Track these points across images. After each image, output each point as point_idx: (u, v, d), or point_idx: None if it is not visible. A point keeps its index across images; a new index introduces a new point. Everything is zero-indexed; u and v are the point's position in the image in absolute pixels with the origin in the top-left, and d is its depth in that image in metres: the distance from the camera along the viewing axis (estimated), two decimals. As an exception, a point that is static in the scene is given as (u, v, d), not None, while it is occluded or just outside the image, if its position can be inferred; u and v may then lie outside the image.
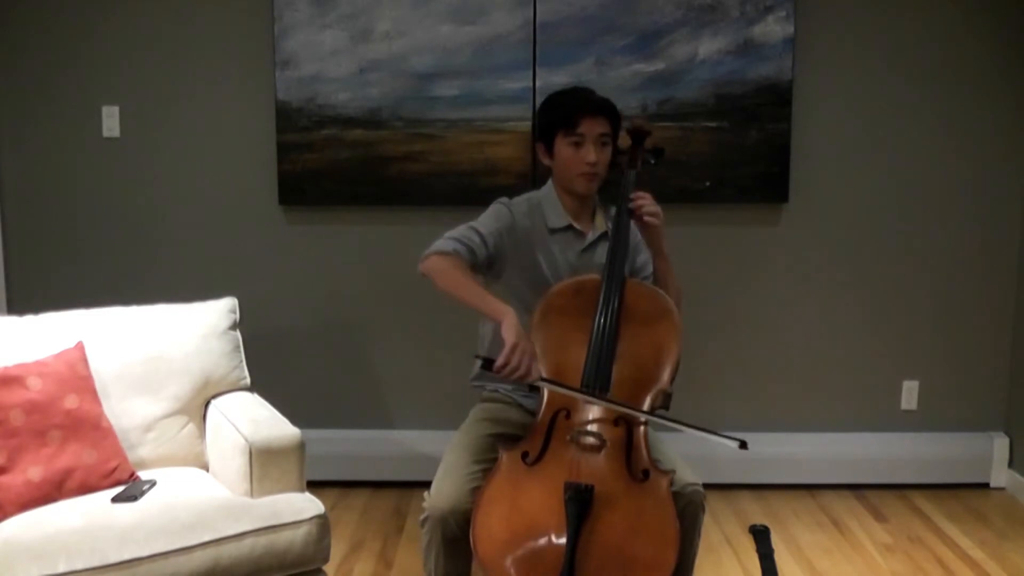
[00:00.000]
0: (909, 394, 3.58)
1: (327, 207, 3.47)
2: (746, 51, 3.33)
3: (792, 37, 3.32)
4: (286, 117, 3.38)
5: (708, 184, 3.40)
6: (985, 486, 3.56)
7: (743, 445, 1.99)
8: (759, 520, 3.26)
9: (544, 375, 2.10)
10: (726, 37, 3.33)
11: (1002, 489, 3.55)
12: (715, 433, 2.01)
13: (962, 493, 3.51)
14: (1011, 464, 3.55)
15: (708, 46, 3.34)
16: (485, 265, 2.32)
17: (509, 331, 2.03)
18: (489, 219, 2.35)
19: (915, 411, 3.59)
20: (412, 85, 3.37)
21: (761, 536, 3.13)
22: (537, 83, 3.33)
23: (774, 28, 3.32)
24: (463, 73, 3.36)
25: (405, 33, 3.35)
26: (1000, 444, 3.54)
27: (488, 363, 2.02)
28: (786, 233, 3.50)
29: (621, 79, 3.35)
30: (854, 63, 3.41)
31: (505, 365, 2.00)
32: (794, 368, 3.57)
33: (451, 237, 2.27)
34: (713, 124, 3.37)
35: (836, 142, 3.45)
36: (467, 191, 3.37)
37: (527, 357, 2.01)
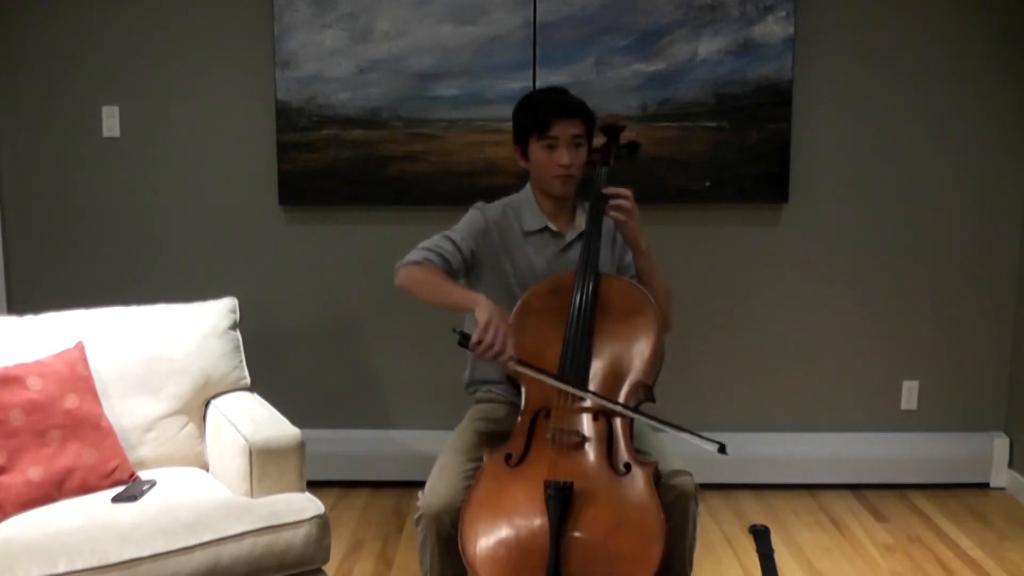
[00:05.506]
0: (909, 394, 3.58)
1: (327, 207, 3.48)
2: (746, 51, 3.33)
3: (792, 37, 3.32)
4: (286, 117, 3.38)
5: (708, 184, 3.40)
6: (985, 486, 3.56)
7: (722, 449, 1.98)
8: (759, 520, 3.25)
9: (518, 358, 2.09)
10: (726, 37, 3.33)
11: (1002, 489, 3.55)
12: (695, 434, 2.00)
13: (962, 493, 3.51)
14: (1011, 464, 3.55)
15: (708, 46, 3.34)
16: (463, 271, 2.34)
17: (482, 311, 2.03)
18: (463, 225, 2.38)
19: (915, 411, 3.59)
20: (412, 85, 3.37)
21: (761, 536, 3.13)
22: (537, 83, 3.33)
23: (774, 28, 3.32)
24: (463, 73, 3.36)
25: (405, 33, 3.35)
26: (1000, 444, 3.54)
27: (465, 338, 2.02)
28: (786, 233, 3.50)
29: (621, 79, 3.35)
30: (854, 63, 3.41)
31: (480, 342, 1.99)
32: (794, 368, 3.57)
33: (423, 247, 2.29)
34: (713, 124, 3.37)
35: (836, 142, 3.45)
36: (467, 191, 3.36)
37: (501, 334, 2.01)
